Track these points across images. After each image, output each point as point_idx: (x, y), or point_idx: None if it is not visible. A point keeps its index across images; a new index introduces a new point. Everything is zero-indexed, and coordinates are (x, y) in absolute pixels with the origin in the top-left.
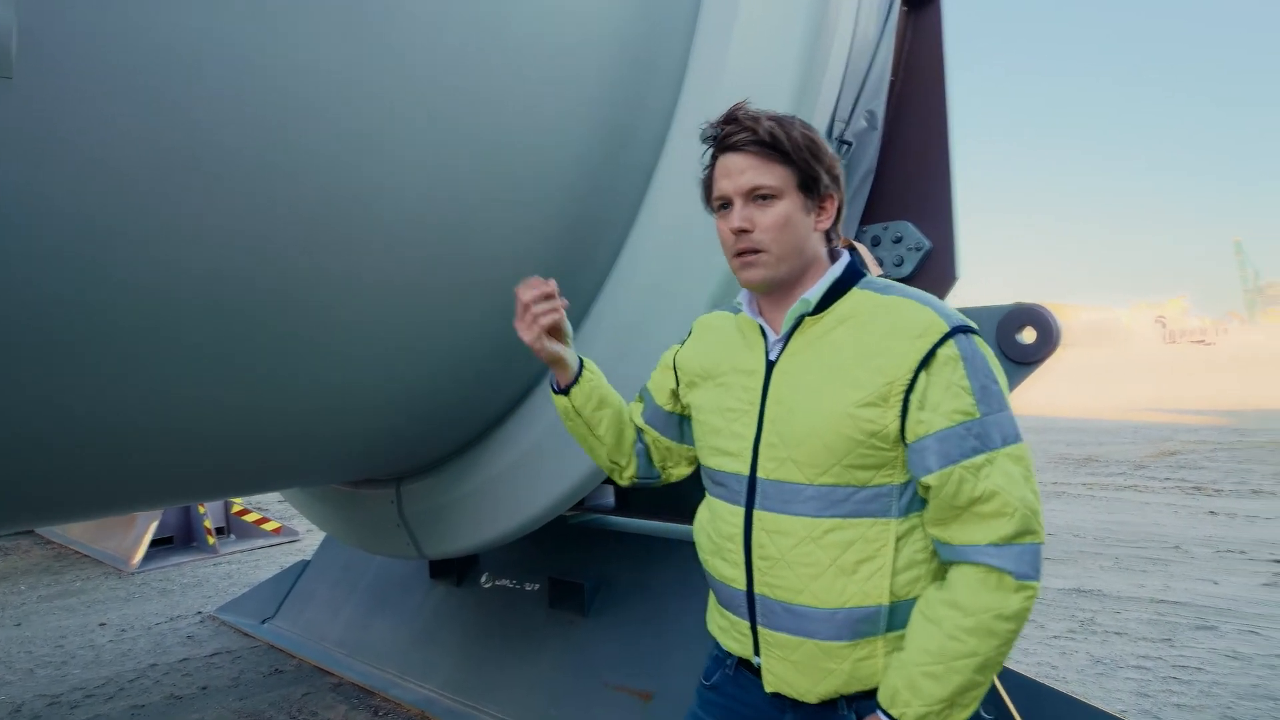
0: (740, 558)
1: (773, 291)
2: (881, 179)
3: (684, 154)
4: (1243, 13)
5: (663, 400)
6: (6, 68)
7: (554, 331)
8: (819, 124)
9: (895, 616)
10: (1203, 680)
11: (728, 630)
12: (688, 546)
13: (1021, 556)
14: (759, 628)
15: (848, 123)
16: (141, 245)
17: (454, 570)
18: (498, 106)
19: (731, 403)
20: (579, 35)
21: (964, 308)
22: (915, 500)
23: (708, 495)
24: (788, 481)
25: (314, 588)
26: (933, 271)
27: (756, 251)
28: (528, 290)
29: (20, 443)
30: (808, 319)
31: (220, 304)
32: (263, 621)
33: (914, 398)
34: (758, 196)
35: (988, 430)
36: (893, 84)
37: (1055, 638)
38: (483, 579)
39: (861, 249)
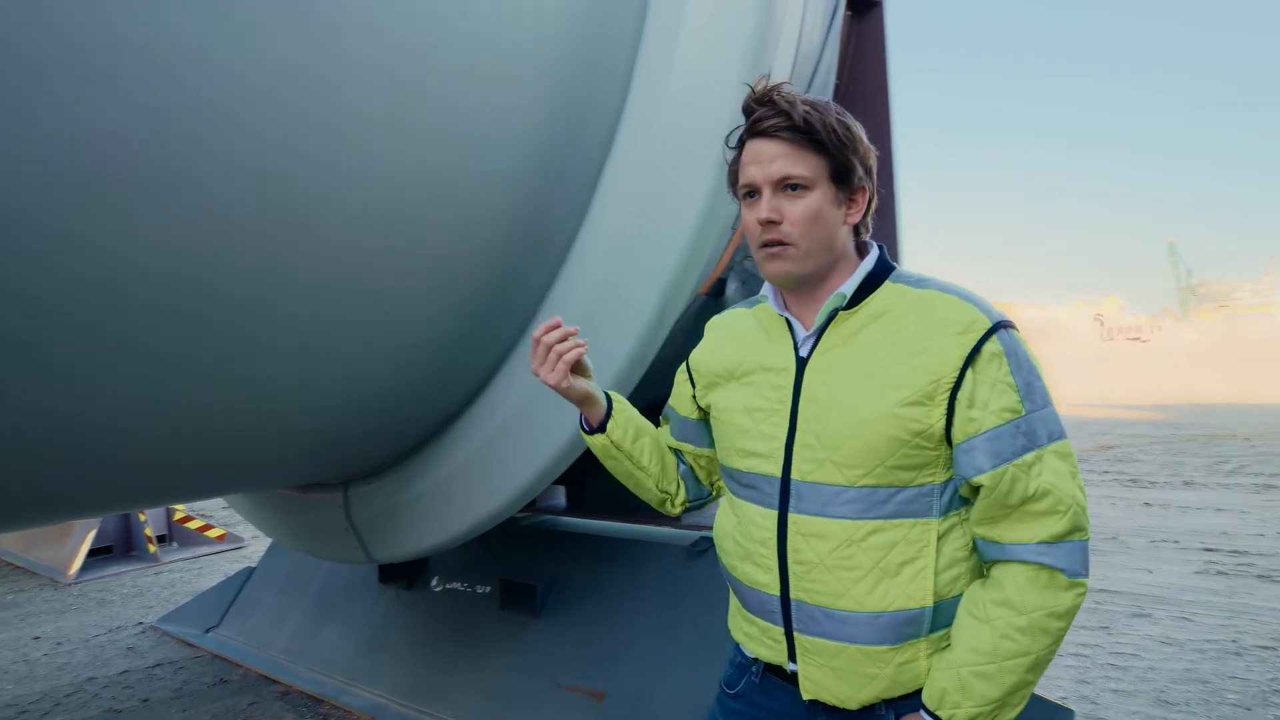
0: (774, 562)
1: (800, 286)
2: None
3: (633, 152)
4: (1182, 10)
5: (687, 410)
6: None
7: (579, 369)
8: None
9: (938, 617)
10: (1139, 666)
11: (756, 637)
12: (639, 546)
13: (1072, 554)
14: (795, 634)
15: None
16: (86, 242)
17: (404, 574)
18: (446, 101)
19: (758, 402)
20: (527, 31)
21: None
22: (954, 499)
23: (729, 498)
24: (827, 483)
25: (260, 595)
26: None
27: (783, 244)
28: (546, 331)
29: None
30: (841, 313)
31: (160, 302)
32: (207, 631)
33: (961, 395)
34: (788, 186)
35: (1034, 427)
36: (838, 87)
37: None
38: (433, 582)
39: None
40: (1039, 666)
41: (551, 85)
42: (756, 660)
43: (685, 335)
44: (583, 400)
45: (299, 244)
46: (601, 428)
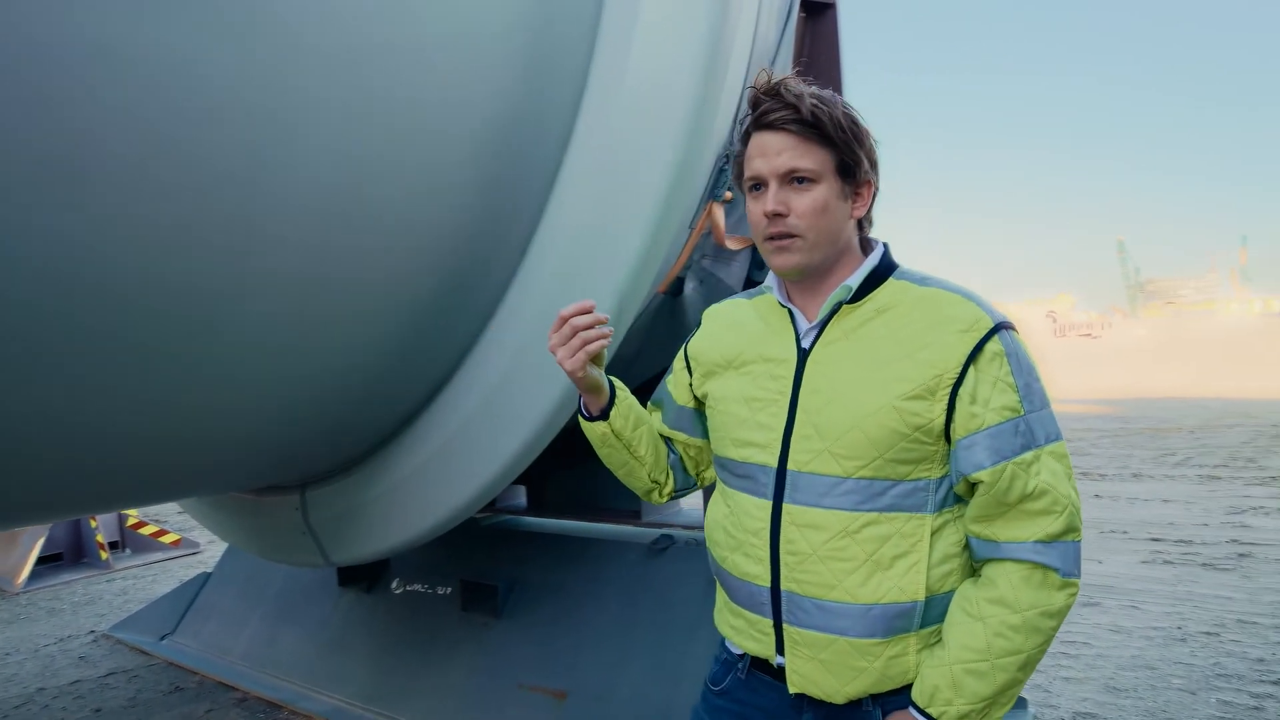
0: (766, 553)
1: (805, 278)
2: None
3: (590, 149)
4: (1118, 4)
5: (684, 399)
6: None
7: (595, 358)
8: (721, 127)
9: (929, 612)
10: (1088, 654)
11: (744, 630)
12: (599, 545)
13: (1066, 554)
14: (785, 626)
15: None
16: (35, 234)
17: (363, 576)
18: (403, 97)
19: (758, 392)
20: (483, 28)
21: None
22: (949, 496)
23: (722, 488)
24: (824, 474)
25: (216, 600)
26: None
27: (791, 236)
28: (578, 313)
29: None
30: (845, 307)
31: (112, 298)
32: (161, 638)
33: (963, 392)
34: (794, 179)
35: (1033, 428)
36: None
37: None
38: (393, 584)
39: None
40: (1029, 665)
41: (507, 82)
42: (743, 656)
43: (644, 334)
44: (593, 388)
45: (253, 240)
46: (604, 415)
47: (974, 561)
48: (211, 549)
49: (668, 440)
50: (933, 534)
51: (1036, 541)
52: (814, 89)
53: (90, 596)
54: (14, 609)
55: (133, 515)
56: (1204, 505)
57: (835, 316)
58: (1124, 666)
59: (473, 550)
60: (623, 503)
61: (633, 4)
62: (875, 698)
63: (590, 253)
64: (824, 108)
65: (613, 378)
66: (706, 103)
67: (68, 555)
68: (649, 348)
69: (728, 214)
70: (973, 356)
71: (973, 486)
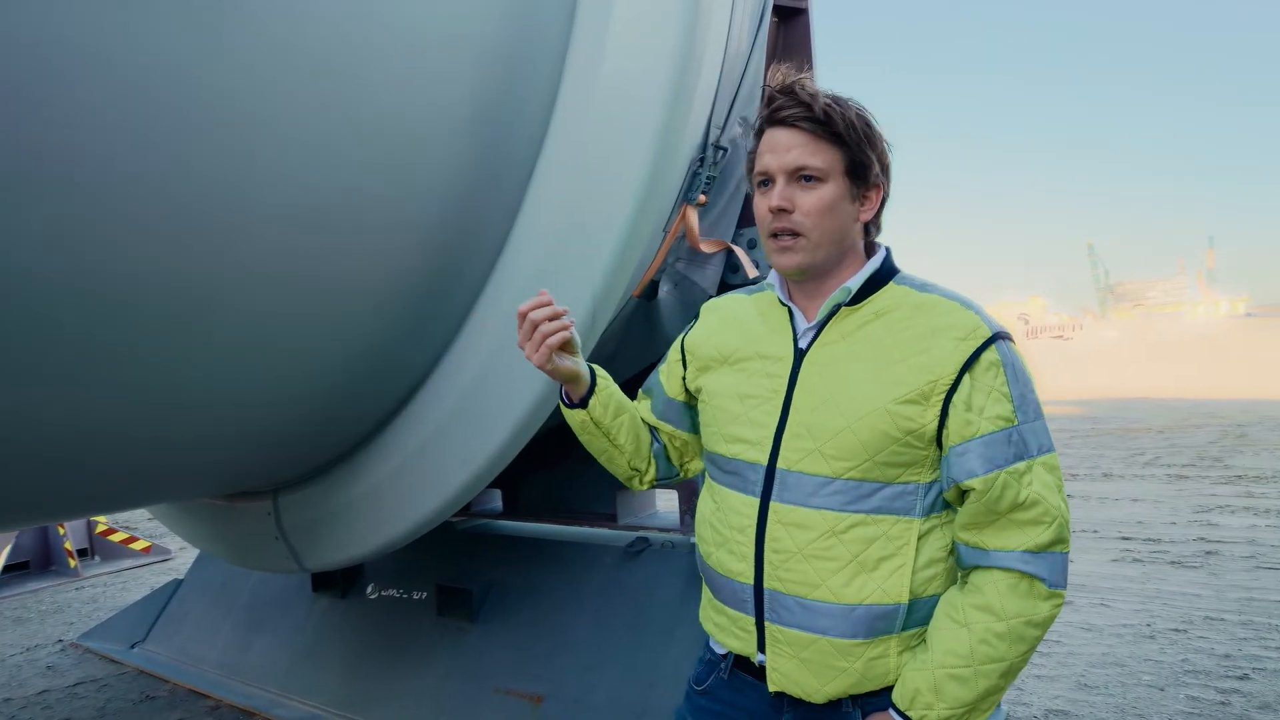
0: (750, 550)
1: (806, 278)
2: None
3: (563, 153)
4: (1089, 4)
5: (675, 391)
6: None
7: (566, 346)
8: (694, 129)
9: (912, 615)
10: (1060, 651)
11: (726, 627)
12: (575, 548)
13: (1054, 565)
14: (767, 623)
15: (723, 129)
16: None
17: (337, 582)
18: (378, 100)
19: (752, 389)
20: (456, 30)
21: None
22: (937, 501)
23: (711, 484)
24: (813, 474)
25: (188, 608)
26: None
27: (794, 235)
28: (534, 307)
29: None
30: (844, 309)
31: (83, 298)
32: (132, 646)
33: (957, 399)
34: (802, 177)
35: (1025, 438)
36: (765, 91)
37: None
38: (368, 590)
39: (738, 251)
40: (1011, 673)
41: (481, 84)
42: (726, 656)
43: (619, 337)
44: (570, 378)
45: (228, 240)
46: (583, 403)
47: (961, 568)
48: (183, 555)
49: (654, 430)
50: (919, 538)
51: (1025, 551)
52: (829, 91)
53: (58, 605)
54: None
55: (102, 522)
56: (1172, 504)
57: (834, 318)
58: (1095, 664)
59: (448, 554)
60: (598, 506)
61: (605, 9)
62: (855, 699)
63: (565, 256)
64: (837, 108)
65: (596, 366)
66: (679, 106)
67: (35, 563)
68: (624, 351)
69: (702, 217)
70: (969, 364)
71: (963, 493)
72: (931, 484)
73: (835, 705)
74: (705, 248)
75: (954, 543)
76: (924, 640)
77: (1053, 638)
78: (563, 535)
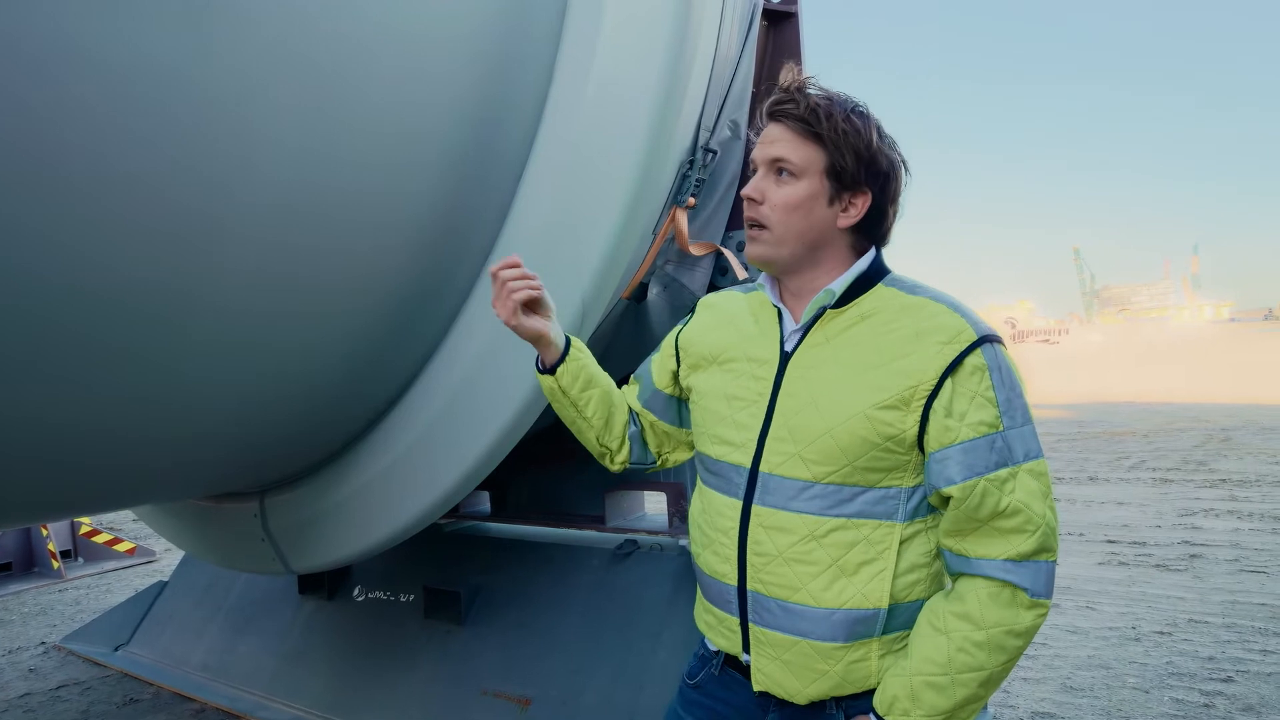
0: (733, 552)
1: (781, 274)
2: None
3: (553, 154)
4: (1100, 15)
5: (663, 383)
6: None
7: (536, 308)
8: (684, 132)
9: (893, 619)
10: (1046, 654)
11: (714, 626)
12: (564, 551)
13: (1038, 574)
14: (750, 625)
15: (713, 132)
16: None
17: (324, 584)
18: (367, 98)
19: (739, 390)
20: (446, 30)
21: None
22: (922, 506)
23: (700, 484)
24: (793, 478)
25: (173, 610)
26: None
27: (760, 227)
28: (504, 267)
29: None
30: (829, 311)
31: (68, 292)
32: (116, 649)
33: (938, 404)
34: (779, 170)
35: (1011, 444)
36: (755, 95)
37: None
38: (355, 592)
39: (728, 254)
40: (992, 683)
41: (471, 84)
42: (718, 653)
43: (608, 339)
44: (536, 339)
45: (216, 237)
46: (552, 370)
47: (949, 574)
48: (168, 557)
49: (635, 414)
50: (901, 543)
51: (1007, 560)
52: (833, 93)
53: (41, 606)
54: None
55: (86, 523)
56: (1157, 508)
57: (819, 320)
58: (1081, 666)
59: (436, 556)
60: (587, 508)
61: (596, 11)
62: (839, 701)
63: (554, 257)
64: (824, 107)
65: (574, 338)
66: (670, 108)
67: (17, 564)
68: (614, 352)
69: (691, 219)
70: (951, 369)
71: (946, 500)
72: (915, 488)
73: (819, 706)
74: (694, 250)
75: (940, 548)
76: (906, 645)
77: (1039, 640)
78: (551, 537)
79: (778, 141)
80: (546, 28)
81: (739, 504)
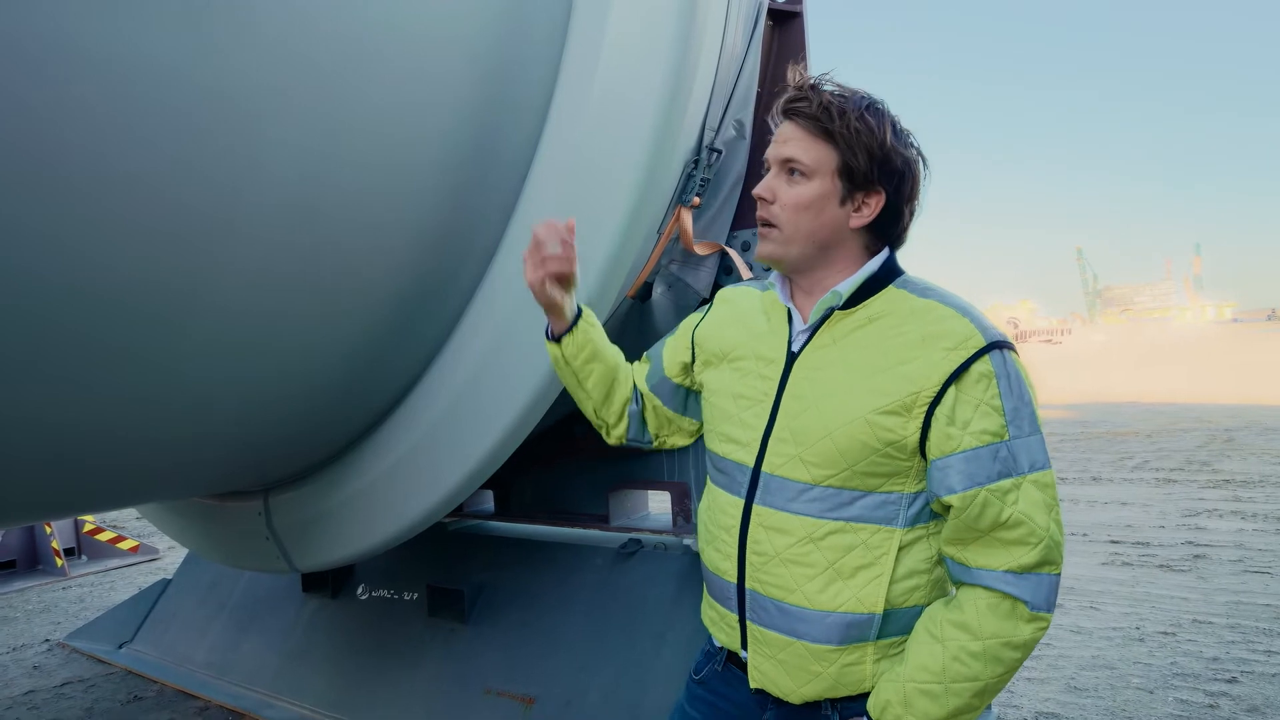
0: (734, 550)
1: (791, 273)
2: (751, 186)
3: (558, 154)
4: (1103, 16)
5: (673, 371)
6: None
7: (563, 281)
8: (689, 131)
9: (888, 624)
10: (1050, 654)
11: (716, 622)
12: (567, 549)
13: (1039, 587)
14: (748, 623)
15: (717, 131)
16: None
17: (328, 583)
18: (370, 99)
19: (746, 390)
20: (450, 32)
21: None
22: (923, 511)
23: (708, 481)
24: (793, 479)
25: (177, 608)
26: None
27: (769, 225)
28: (546, 229)
29: None
30: (838, 312)
31: (65, 299)
32: (120, 646)
33: (940, 411)
34: (790, 170)
35: (1016, 454)
36: (760, 95)
37: None
38: (359, 590)
39: (732, 253)
40: (987, 693)
41: (476, 84)
42: (721, 650)
43: (612, 338)
44: (550, 307)
45: (216, 240)
46: (559, 339)
47: (951, 581)
48: (171, 555)
49: (640, 393)
50: (900, 548)
51: (1008, 571)
52: (848, 90)
53: (45, 604)
54: None
55: (89, 521)
56: (1160, 508)
57: (827, 322)
58: (1085, 666)
59: (439, 555)
60: (591, 507)
61: (601, 10)
62: (834, 702)
63: None
64: (837, 105)
65: (588, 310)
66: (675, 108)
67: (21, 562)
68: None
69: (696, 219)
70: (956, 376)
71: (948, 508)
72: (917, 494)
73: (814, 707)
74: (699, 250)
75: (942, 555)
76: (903, 650)
77: (1043, 640)
78: (555, 536)
79: (790, 141)
80: (551, 28)
81: (741, 503)
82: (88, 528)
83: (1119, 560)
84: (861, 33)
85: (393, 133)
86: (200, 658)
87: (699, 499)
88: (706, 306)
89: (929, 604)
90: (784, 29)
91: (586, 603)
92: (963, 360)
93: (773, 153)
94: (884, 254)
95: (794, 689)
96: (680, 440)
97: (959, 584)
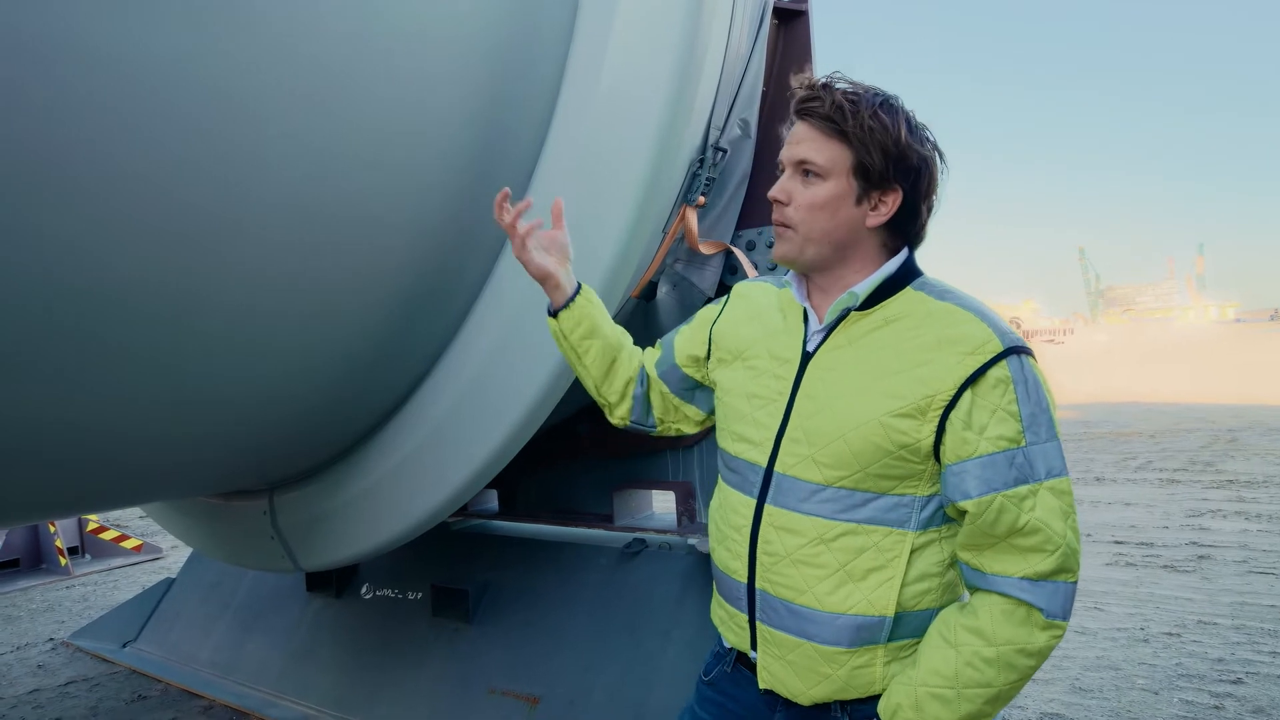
0: (745, 550)
1: (807, 273)
2: (756, 185)
3: (564, 154)
4: (1089, 10)
5: (684, 361)
6: None
7: (550, 249)
8: (695, 131)
9: (899, 627)
10: (1054, 655)
11: (726, 622)
12: (572, 549)
13: (1055, 595)
14: (758, 623)
15: (723, 130)
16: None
17: (332, 582)
18: (375, 97)
19: (760, 389)
20: (456, 30)
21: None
22: (937, 515)
23: (720, 481)
24: (805, 480)
25: (181, 607)
26: None
27: (786, 226)
28: (504, 199)
29: None
30: (854, 313)
31: (71, 298)
32: (124, 645)
33: (955, 416)
34: (805, 171)
35: (1033, 460)
36: (765, 94)
37: None
38: (363, 590)
39: (738, 253)
40: (1000, 700)
41: (482, 83)
42: (731, 650)
43: None
44: (542, 279)
45: (225, 236)
46: (556, 314)
47: (965, 586)
48: (174, 554)
49: (647, 377)
50: (913, 552)
51: (1023, 578)
52: (861, 87)
53: (49, 603)
54: None
55: (93, 520)
56: (1164, 509)
57: (843, 322)
58: (1089, 667)
59: (443, 555)
60: (595, 507)
61: (608, 9)
62: (843, 705)
63: None
64: (850, 105)
65: (587, 287)
66: (680, 107)
67: (25, 561)
68: None
69: (701, 218)
70: (972, 380)
71: (962, 513)
72: (930, 497)
73: (824, 709)
74: (704, 249)
75: (957, 560)
76: (915, 653)
77: None
78: (559, 536)
79: (804, 142)
80: (557, 27)
81: (753, 502)
82: (91, 527)
83: (1123, 561)
84: (863, 31)
85: (399, 132)
86: (204, 657)
87: (703, 498)
88: (723, 300)
89: (940, 608)
90: (789, 27)
91: (591, 602)
92: (980, 365)
93: (786, 154)
94: (903, 255)
95: (803, 690)
96: (686, 428)
97: (973, 589)
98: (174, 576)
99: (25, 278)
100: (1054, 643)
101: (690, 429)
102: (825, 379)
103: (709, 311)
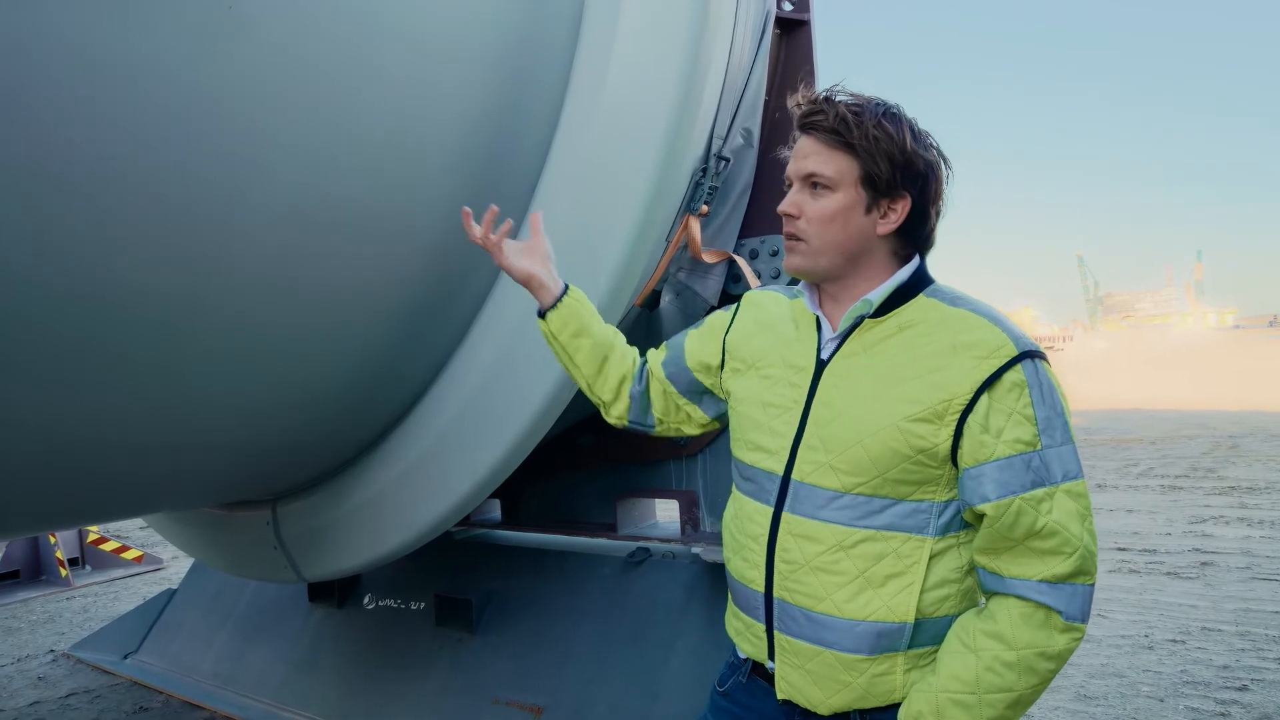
0: (762, 559)
1: (822, 283)
2: (758, 194)
3: (568, 163)
4: (1077, 11)
5: (697, 368)
6: None
7: (528, 252)
8: (698, 140)
9: (919, 634)
10: None
11: (742, 632)
12: (575, 558)
13: (1074, 597)
14: (776, 632)
15: (725, 139)
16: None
17: (334, 592)
18: (382, 105)
19: (775, 398)
20: (462, 41)
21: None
22: (955, 520)
23: (734, 490)
24: (823, 487)
25: (182, 618)
26: None
27: (797, 239)
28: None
29: None
30: (868, 321)
31: (74, 307)
32: (125, 657)
33: (973, 419)
34: (813, 184)
35: (1049, 463)
36: (767, 103)
37: None
38: (365, 600)
39: (741, 261)
40: (1021, 705)
41: (487, 93)
42: (746, 661)
43: None
44: (525, 281)
45: (227, 245)
46: (544, 315)
47: (983, 592)
48: (175, 565)
49: (649, 374)
50: (931, 557)
51: (1042, 581)
52: (863, 98)
53: (49, 614)
54: None
55: (94, 531)
56: (1167, 515)
57: (857, 330)
58: (1094, 675)
59: (447, 564)
60: (598, 516)
61: (611, 20)
62: (863, 713)
63: (568, 266)
64: (855, 116)
65: (575, 288)
66: (684, 116)
67: (25, 572)
68: None
69: (704, 227)
70: (988, 384)
71: (980, 517)
72: (948, 502)
73: (843, 718)
74: (707, 258)
75: (974, 565)
76: (934, 660)
77: None
78: (563, 545)
79: (810, 155)
80: (561, 37)
81: (770, 511)
82: (92, 538)
83: (1126, 568)
84: (857, 38)
85: (403, 140)
86: (206, 668)
87: (707, 507)
88: (734, 308)
89: (959, 614)
90: (791, 37)
91: (595, 612)
92: (995, 369)
93: (793, 169)
94: (914, 263)
95: (823, 699)
96: (687, 429)
97: (990, 594)
98: (175, 587)
99: (23, 282)
100: (1074, 645)
101: (692, 430)
102: (841, 386)
103: (720, 319)
